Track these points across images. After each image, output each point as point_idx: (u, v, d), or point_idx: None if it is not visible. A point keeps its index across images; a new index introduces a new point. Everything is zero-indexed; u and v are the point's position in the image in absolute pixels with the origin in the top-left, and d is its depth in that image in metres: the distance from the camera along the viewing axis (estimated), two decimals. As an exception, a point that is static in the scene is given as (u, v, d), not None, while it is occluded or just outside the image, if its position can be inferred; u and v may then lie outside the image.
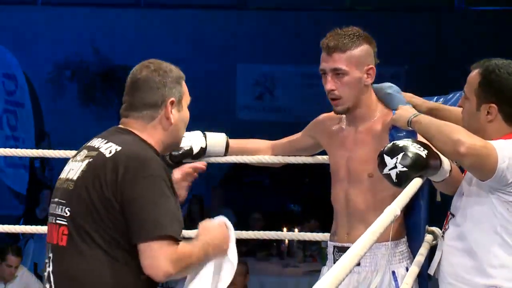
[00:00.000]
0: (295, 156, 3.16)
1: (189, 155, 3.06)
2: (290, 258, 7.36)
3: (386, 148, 2.54)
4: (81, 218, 2.24)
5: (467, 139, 2.45)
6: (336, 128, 2.96)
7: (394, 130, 2.74)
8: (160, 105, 2.36)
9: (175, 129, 2.41)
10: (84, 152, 2.34)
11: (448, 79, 6.14)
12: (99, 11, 11.64)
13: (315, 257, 7.19)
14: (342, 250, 2.86)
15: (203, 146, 3.08)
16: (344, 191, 2.88)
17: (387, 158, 2.51)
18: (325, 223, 7.00)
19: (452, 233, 2.66)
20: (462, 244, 2.61)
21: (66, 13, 11.61)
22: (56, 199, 2.34)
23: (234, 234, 2.42)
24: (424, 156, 2.49)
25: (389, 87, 2.91)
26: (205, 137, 3.10)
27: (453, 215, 2.68)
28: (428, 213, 2.93)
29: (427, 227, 2.97)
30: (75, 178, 2.29)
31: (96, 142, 2.36)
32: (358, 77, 2.80)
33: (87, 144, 2.39)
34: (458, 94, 3.03)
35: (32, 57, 10.99)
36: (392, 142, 2.55)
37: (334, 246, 2.91)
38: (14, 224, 4.29)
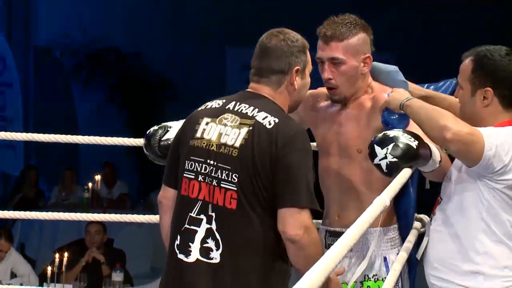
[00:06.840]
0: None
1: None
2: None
3: (376, 138, 2.54)
4: (247, 185, 2.42)
5: (453, 125, 2.46)
6: (325, 104, 2.96)
7: (387, 112, 2.74)
8: (286, 72, 2.54)
9: (298, 94, 2.59)
10: (234, 118, 2.49)
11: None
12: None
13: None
14: (334, 234, 2.88)
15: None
16: (336, 166, 2.89)
17: (377, 148, 2.51)
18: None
19: (439, 218, 2.67)
20: (448, 230, 2.62)
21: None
22: (212, 162, 2.48)
23: None
24: (415, 147, 2.49)
25: (390, 67, 2.93)
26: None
27: (442, 199, 2.69)
28: (417, 201, 2.94)
29: (415, 214, 2.99)
30: (237, 145, 2.44)
31: (240, 106, 2.51)
32: (355, 66, 2.81)
33: (226, 107, 2.53)
34: (449, 82, 3.04)
35: (20, 37, 10.91)
36: (383, 132, 2.55)
37: (326, 231, 2.93)
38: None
